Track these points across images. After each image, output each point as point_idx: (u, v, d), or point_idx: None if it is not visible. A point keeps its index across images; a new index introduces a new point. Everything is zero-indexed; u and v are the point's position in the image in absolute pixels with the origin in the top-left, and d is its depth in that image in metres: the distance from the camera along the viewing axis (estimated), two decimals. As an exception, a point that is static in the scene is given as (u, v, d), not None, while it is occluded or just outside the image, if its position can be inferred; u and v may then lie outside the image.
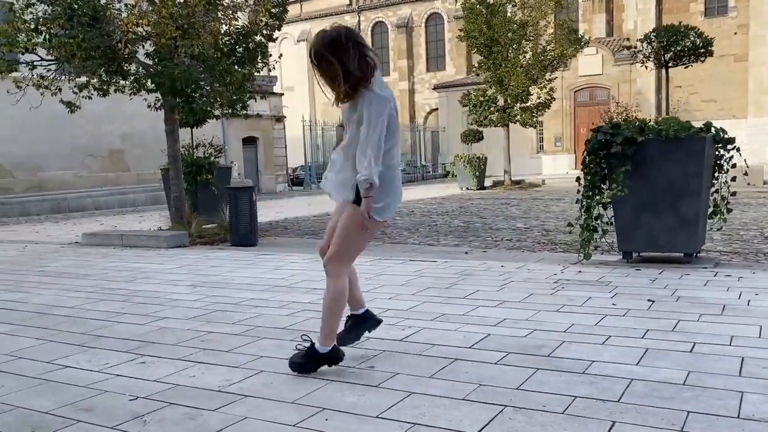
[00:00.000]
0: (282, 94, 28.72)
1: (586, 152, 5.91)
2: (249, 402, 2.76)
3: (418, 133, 38.28)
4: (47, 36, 8.52)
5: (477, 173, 21.01)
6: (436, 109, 40.27)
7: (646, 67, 9.77)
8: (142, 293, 5.39)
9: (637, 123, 5.90)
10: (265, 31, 9.80)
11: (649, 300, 4.31)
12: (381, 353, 3.37)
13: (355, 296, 3.32)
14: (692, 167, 5.56)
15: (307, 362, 3.06)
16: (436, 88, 38.86)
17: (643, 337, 3.43)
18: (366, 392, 2.80)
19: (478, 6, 20.55)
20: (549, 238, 8.82)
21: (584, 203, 5.88)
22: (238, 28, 9.68)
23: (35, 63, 9.35)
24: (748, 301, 4.18)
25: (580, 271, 5.61)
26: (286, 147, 28.10)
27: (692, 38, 7.57)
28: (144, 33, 8.36)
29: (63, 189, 19.39)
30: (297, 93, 46.06)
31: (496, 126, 21.55)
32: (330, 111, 45.71)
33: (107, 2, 8.59)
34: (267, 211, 15.51)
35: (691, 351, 3.16)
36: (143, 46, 8.73)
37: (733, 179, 5.99)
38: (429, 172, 35.96)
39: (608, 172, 5.79)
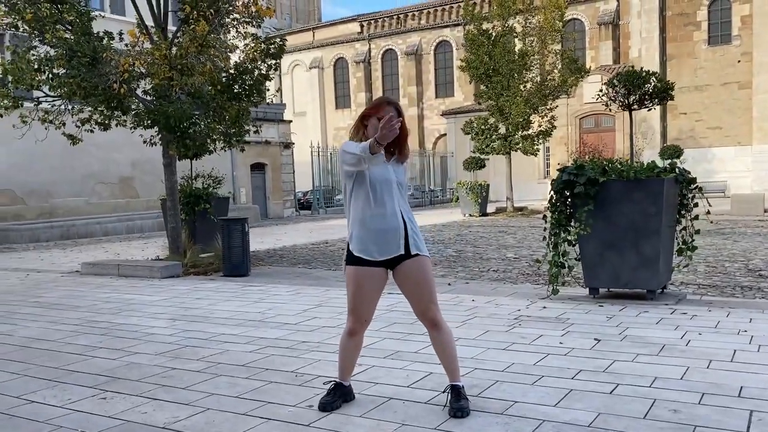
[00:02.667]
0: (290, 122, 29.21)
1: (552, 191, 6.14)
2: (188, 439, 2.99)
3: (427, 159, 38.62)
4: (50, 75, 8.95)
5: (479, 200, 21.23)
6: (445, 134, 40.66)
7: (610, 110, 10.03)
8: (123, 327, 5.65)
9: (604, 164, 6.12)
10: (262, 69, 10.15)
11: (595, 339, 4.49)
12: (322, 392, 3.59)
13: (353, 366, 3.50)
14: (652, 207, 5.76)
15: (465, 401, 3.19)
16: (444, 114, 39.29)
17: (572, 378, 3.63)
18: None
19: (480, 37, 20.96)
20: (534, 269, 9.00)
21: (551, 240, 6.09)
22: (235, 65, 10.07)
23: (40, 99, 9.78)
24: (688, 341, 4.35)
25: (544, 307, 5.80)
26: (293, 173, 28.51)
27: (653, 83, 7.82)
28: (141, 72, 8.74)
29: (73, 215, 19.86)
30: (309, 118, 46.73)
31: (497, 154, 21.81)
32: (340, 136, 46.21)
33: (106, 43, 9.02)
34: (268, 238, 15.83)
35: (611, 393, 3.36)
36: (139, 85, 9.11)
37: (696, 218, 6.17)
38: (437, 197, 36.21)
39: (573, 211, 6.00)
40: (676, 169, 6.09)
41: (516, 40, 21.18)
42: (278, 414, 3.26)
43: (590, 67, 29.26)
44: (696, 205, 6.10)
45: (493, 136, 21.53)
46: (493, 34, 20.97)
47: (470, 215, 21.38)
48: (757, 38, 27.15)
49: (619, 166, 5.94)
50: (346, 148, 3.14)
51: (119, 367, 4.31)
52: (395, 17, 44.84)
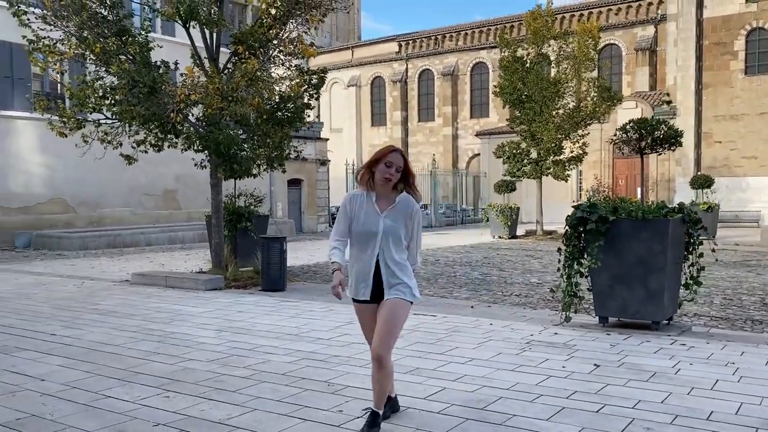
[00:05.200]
0: (327, 140, 30.10)
1: (567, 226, 6.68)
2: (240, 432, 3.64)
3: (460, 178, 39.15)
4: (112, 101, 9.83)
5: (509, 222, 21.68)
6: (479, 154, 41.12)
7: (623, 153, 10.53)
8: (175, 335, 6.37)
9: (615, 203, 6.65)
10: (304, 98, 10.91)
11: (595, 365, 5.03)
12: (352, 399, 4.21)
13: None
14: (657, 245, 6.27)
15: (377, 429, 3.57)
16: (478, 134, 39.80)
17: (567, 398, 4.18)
18: None
19: (514, 64, 21.52)
20: (556, 295, 9.49)
21: (565, 271, 6.63)
22: (280, 93, 10.85)
23: (100, 121, 10.69)
24: (678, 370, 4.86)
25: (556, 333, 6.33)
26: (328, 189, 29.37)
27: (663, 130, 8.32)
28: (194, 100, 9.55)
29: (119, 224, 20.95)
30: (345, 134, 47.72)
31: (529, 178, 22.27)
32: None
33: (164, 72, 9.88)
34: (302, 253, 16.55)
35: (597, 411, 3.91)
36: (192, 112, 9.93)
37: (701, 255, 6.64)
38: (469, 216, 36.67)
39: (585, 246, 6.54)
40: (684, 210, 6.59)
41: (550, 66, 21.68)
42: (314, 416, 3.89)
43: (626, 92, 29.46)
44: (701, 243, 6.57)
45: (525, 161, 22.00)
46: (528, 61, 21.50)
47: (500, 237, 21.83)
48: (794, 69, 27.19)
49: (628, 206, 6.46)
50: (341, 208, 3.68)
51: (176, 371, 5.00)
52: (433, 38, 45.63)
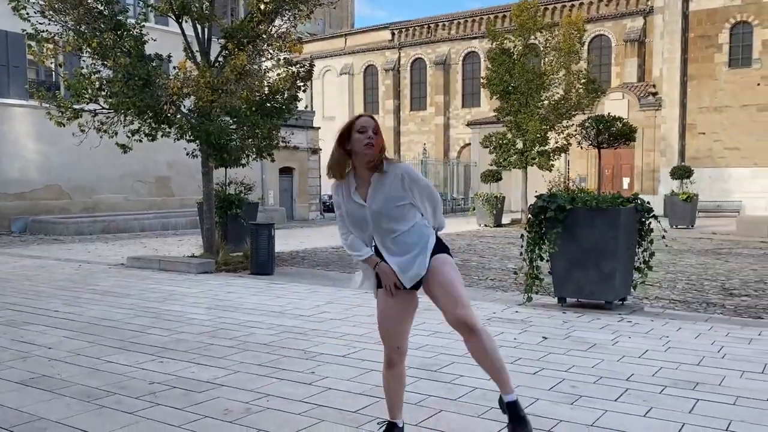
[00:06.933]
0: (318, 128, 30.59)
1: (530, 214, 7.27)
2: (224, 389, 4.23)
3: (451, 167, 39.73)
4: (108, 93, 10.33)
5: (494, 211, 22.30)
6: (470, 143, 41.69)
7: (582, 147, 11.11)
8: (169, 312, 6.95)
9: (576, 193, 7.24)
10: (292, 90, 11.44)
11: (543, 337, 5.64)
12: (323, 365, 4.80)
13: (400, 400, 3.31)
14: (610, 232, 6.87)
15: (520, 416, 3.15)
16: (469, 124, 40.35)
17: (512, 363, 4.78)
18: (299, 383, 4.25)
19: (501, 55, 22.04)
20: (518, 277, 10.09)
21: (527, 255, 7.22)
22: (269, 85, 11.37)
23: (96, 111, 11.18)
24: (616, 342, 5.47)
25: (516, 311, 6.94)
26: (320, 177, 29.89)
27: (618, 126, 8.89)
28: (186, 93, 10.07)
29: (113, 211, 21.47)
30: (337, 123, 48.08)
31: (514, 168, 22.87)
32: (368, 141, 47.36)
33: (157, 65, 10.37)
34: (292, 240, 17.11)
35: (534, 374, 4.52)
36: (184, 104, 10.45)
37: (651, 242, 7.24)
38: (459, 205, 37.29)
39: (545, 232, 7.13)
40: (637, 200, 7.18)
41: (537, 58, 22.21)
42: (289, 376, 4.49)
43: (615, 83, 30.00)
44: (651, 230, 7.17)
45: (511, 151, 22.59)
46: (515, 53, 22.02)
47: (485, 225, 22.46)
48: (776, 62, 27.81)
49: (585, 196, 7.05)
50: (335, 203, 3.20)
51: (170, 342, 5.58)
52: (426, 26, 45.99)
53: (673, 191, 22.29)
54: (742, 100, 29.02)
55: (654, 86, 32.01)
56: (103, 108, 10.98)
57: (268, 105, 11.37)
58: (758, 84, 28.54)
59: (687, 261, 12.87)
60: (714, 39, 29.66)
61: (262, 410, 3.83)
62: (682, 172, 22.32)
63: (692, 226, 21.41)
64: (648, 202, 7.33)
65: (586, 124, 9.44)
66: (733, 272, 11.13)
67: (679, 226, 21.07)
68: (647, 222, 7.23)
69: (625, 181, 32.37)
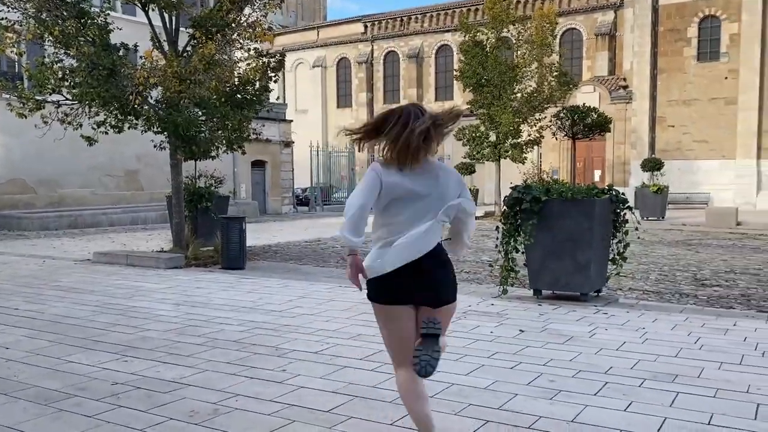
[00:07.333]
0: (291, 121, 30.25)
1: (505, 206, 7.18)
2: (191, 389, 4.05)
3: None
4: (72, 83, 9.99)
5: (468, 204, 22.23)
6: (443, 137, 41.64)
7: (557, 138, 11.09)
8: (135, 309, 6.71)
9: (551, 185, 7.16)
10: (263, 81, 11.20)
11: (520, 330, 5.55)
12: (295, 362, 4.64)
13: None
14: (585, 223, 6.81)
15: None
16: (442, 117, 40.27)
17: (489, 357, 4.68)
18: (268, 383, 4.09)
19: (474, 48, 21.97)
20: (494, 270, 10.02)
21: (503, 248, 7.13)
22: (239, 76, 11.11)
23: (60, 102, 10.82)
24: (593, 335, 5.41)
25: (492, 304, 6.85)
26: (293, 170, 29.58)
27: (593, 117, 8.84)
28: (153, 84, 9.78)
29: (80, 205, 20.93)
30: (310, 115, 47.75)
31: (487, 161, 22.84)
32: (341, 134, 47.01)
33: (123, 55, 10.06)
34: (264, 234, 16.86)
35: (512, 368, 4.41)
36: (151, 94, 10.15)
37: (626, 233, 7.20)
38: (432, 198, 37.27)
39: (520, 224, 7.04)
40: (611, 191, 7.14)
41: (509, 51, 22.18)
42: (259, 375, 4.32)
43: (586, 76, 30.20)
44: (625, 221, 7.13)
45: (484, 144, 22.56)
46: (488, 46, 21.97)
47: (459, 218, 22.41)
48: (744, 56, 28.18)
49: (560, 187, 6.98)
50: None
51: (135, 339, 5.36)
52: (399, 19, 45.80)
53: (643, 183, 22.50)
54: (710, 94, 29.41)
55: (624, 79, 32.29)
56: (67, 99, 10.64)
57: (239, 96, 11.12)
58: (726, 78, 28.94)
59: (659, 252, 12.96)
60: (683, 33, 29.99)
61: (231, 411, 3.67)
62: (652, 165, 22.53)
63: (663, 217, 21.64)
64: (623, 193, 7.29)
65: (561, 114, 9.37)
66: (704, 263, 11.23)
67: (649, 218, 21.28)
68: (622, 213, 7.19)
69: (597, 173, 32.64)
